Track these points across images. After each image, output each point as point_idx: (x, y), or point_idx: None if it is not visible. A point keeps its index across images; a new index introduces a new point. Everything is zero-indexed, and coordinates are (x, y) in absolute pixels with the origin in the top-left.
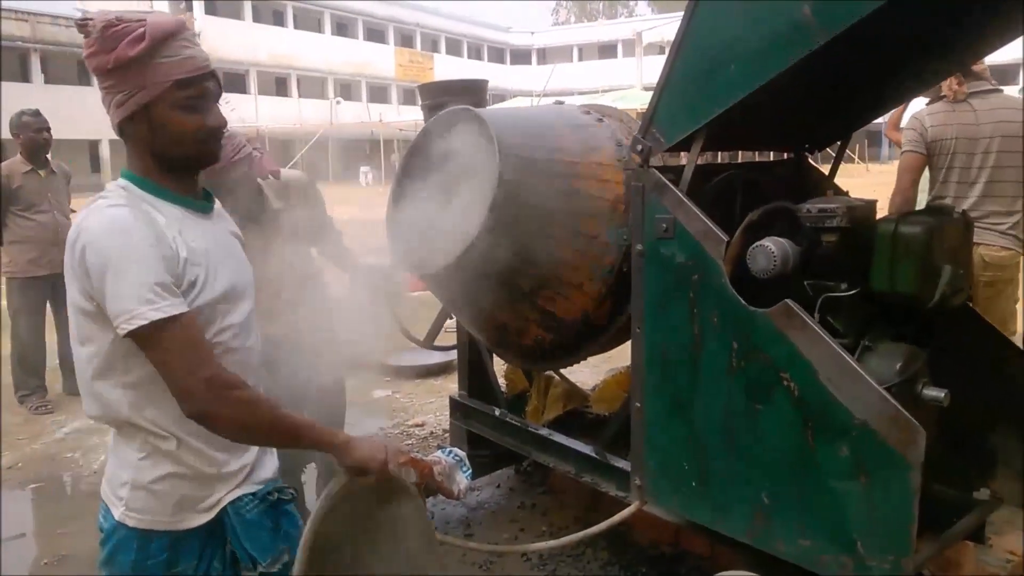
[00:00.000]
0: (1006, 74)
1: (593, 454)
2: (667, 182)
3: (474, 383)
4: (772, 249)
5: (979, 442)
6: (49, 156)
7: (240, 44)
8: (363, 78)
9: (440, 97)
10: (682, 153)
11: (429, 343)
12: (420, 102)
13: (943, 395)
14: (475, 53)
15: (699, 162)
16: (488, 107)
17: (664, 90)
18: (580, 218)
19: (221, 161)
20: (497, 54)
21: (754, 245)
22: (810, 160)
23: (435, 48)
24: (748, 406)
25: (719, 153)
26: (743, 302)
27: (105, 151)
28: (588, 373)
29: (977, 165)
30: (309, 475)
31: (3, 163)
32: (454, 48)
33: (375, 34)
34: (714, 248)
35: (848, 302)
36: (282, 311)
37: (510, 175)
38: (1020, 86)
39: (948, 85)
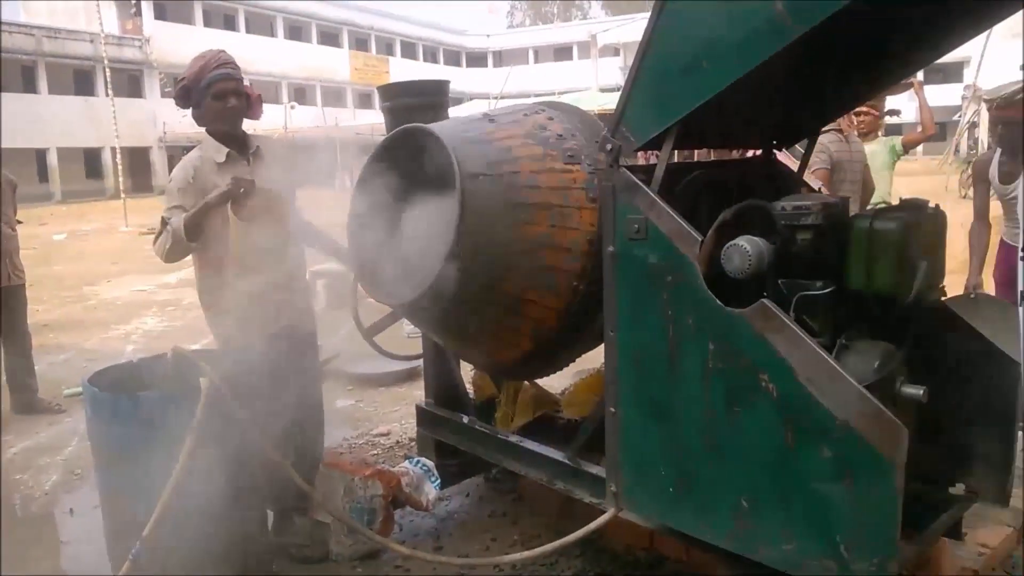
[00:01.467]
0: (949, 71)
1: (566, 460)
2: (639, 182)
3: (441, 391)
4: (747, 248)
5: (953, 437)
6: None
7: (191, 49)
8: (318, 82)
9: (400, 99)
10: (649, 153)
11: (370, 336)
12: (380, 103)
13: (921, 392)
14: (431, 56)
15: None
16: (443, 120)
17: (633, 89)
18: (548, 229)
19: None
20: (453, 57)
21: (728, 244)
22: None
23: (390, 51)
24: (727, 409)
25: (695, 152)
26: (719, 303)
27: (53, 159)
28: (556, 377)
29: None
30: None
31: None
32: (409, 51)
33: (329, 38)
34: (688, 248)
35: (824, 300)
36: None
37: (473, 198)
38: (965, 83)
39: (845, 122)
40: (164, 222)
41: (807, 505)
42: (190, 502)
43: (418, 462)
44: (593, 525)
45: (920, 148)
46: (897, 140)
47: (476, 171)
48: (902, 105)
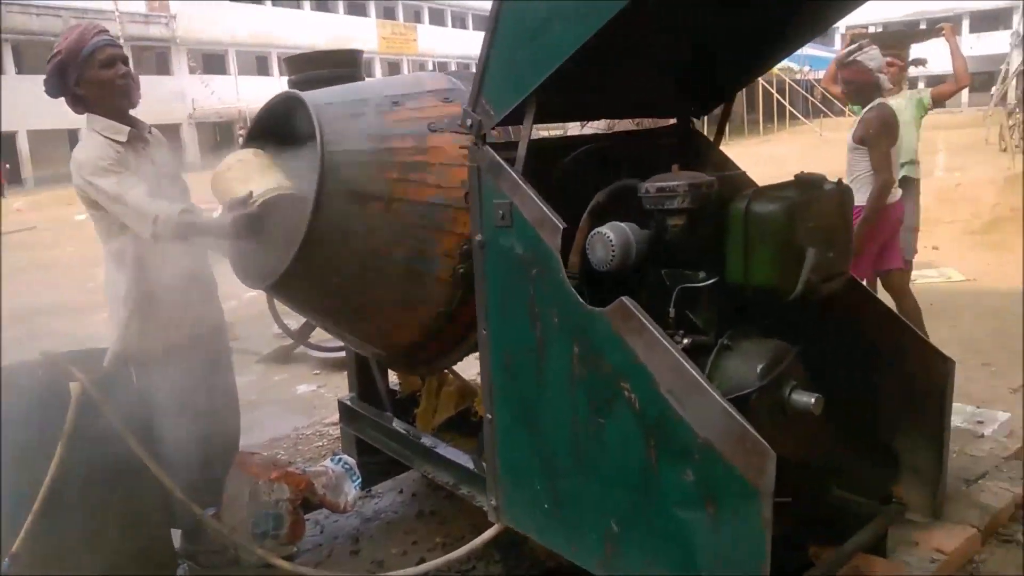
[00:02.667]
0: (997, 19)
1: (471, 465)
2: (502, 161)
3: (363, 385)
4: (610, 237)
5: (883, 442)
6: None
7: (218, 24)
8: None
9: (307, 71)
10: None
11: (303, 339)
12: (288, 76)
13: (813, 401)
14: (459, 22)
15: (570, 134)
16: (334, 87)
17: (489, 56)
18: (425, 210)
19: None
20: (482, 22)
21: (592, 232)
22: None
23: (418, 19)
24: (593, 419)
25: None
26: (580, 300)
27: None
28: None
29: None
30: None
31: None
32: (437, 18)
33: (356, 8)
34: (551, 237)
35: (707, 294)
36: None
37: (337, 176)
38: (1013, 29)
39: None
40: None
41: (672, 533)
42: (68, 513)
43: (340, 460)
44: (484, 537)
45: (965, 99)
46: (926, 93)
47: (349, 147)
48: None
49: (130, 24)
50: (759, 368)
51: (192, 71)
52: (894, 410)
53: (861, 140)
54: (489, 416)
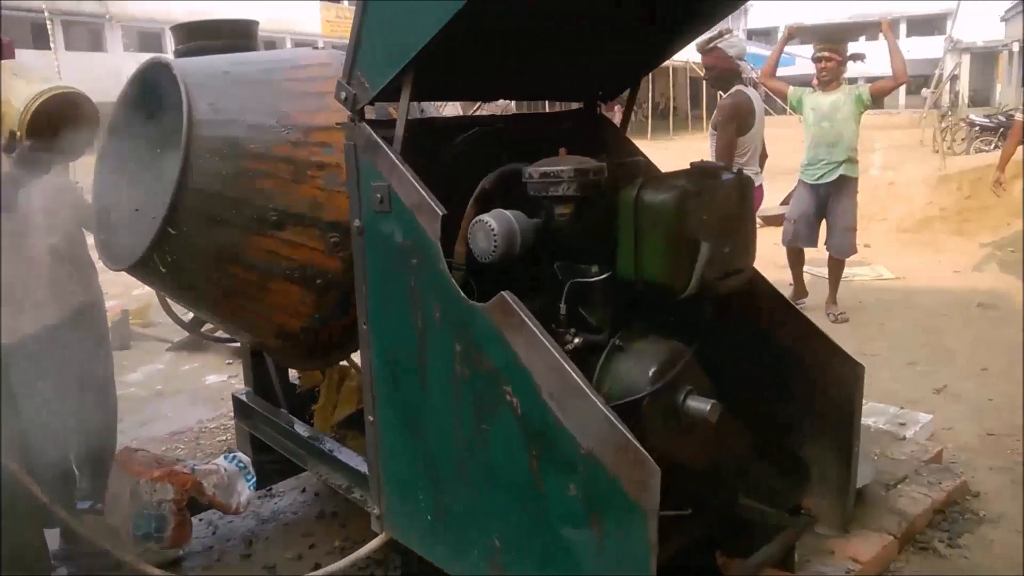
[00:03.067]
0: (932, 24)
1: (365, 468)
2: (379, 140)
3: (259, 378)
4: (491, 225)
5: (791, 450)
6: None
7: (153, 2)
8: (288, 35)
9: (196, 40)
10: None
11: (195, 329)
12: (173, 47)
13: (708, 408)
14: None
15: (472, 113)
16: (213, 56)
17: (362, 24)
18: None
19: None
20: None
21: (474, 220)
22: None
23: None
24: (476, 425)
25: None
26: (461, 294)
27: None
28: None
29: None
30: None
31: None
32: None
33: None
34: (430, 224)
35: (600, 289)
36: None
37: (203, 150)
38: (946, 35)
39: None
40: None
41: (555, 552)
42: None
43: (234, 458)
44: (369, 547)
45: (903, 101)
46: (864, 89)
47: (223, 117)
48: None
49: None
50: (651, 371)
51: (126, 48)
52: (801, 417)
53: (715, 126)
54: (371, 418)
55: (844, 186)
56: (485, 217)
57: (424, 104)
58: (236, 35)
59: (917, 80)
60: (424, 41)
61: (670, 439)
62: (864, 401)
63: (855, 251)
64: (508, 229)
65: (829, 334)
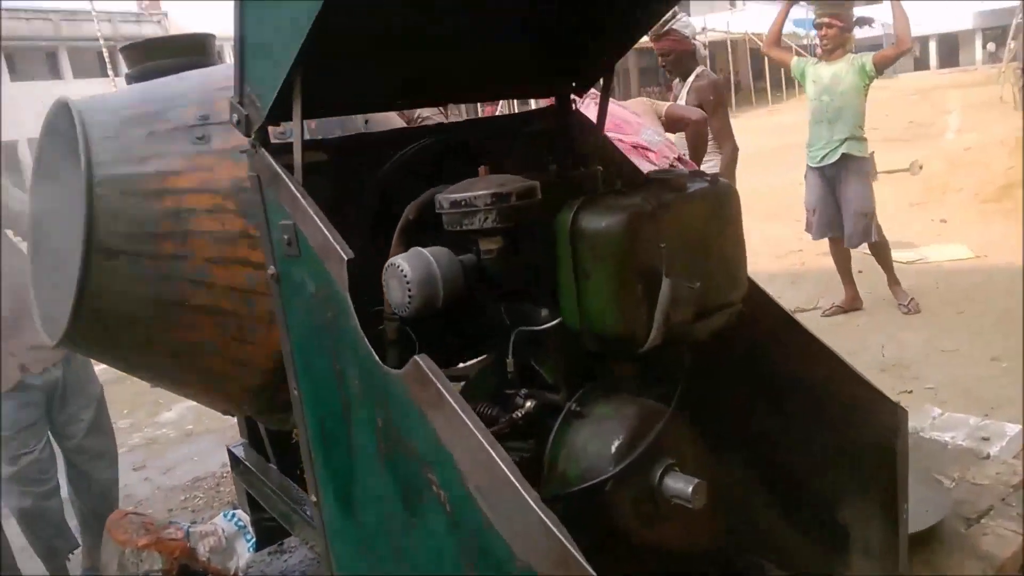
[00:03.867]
0: None
1: None
2: (279, 169)
3: (252, 429)
4: (403, 271)
5: (826, 513)
6: None
7: (210, 19)
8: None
9: (147, 61)
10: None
11: None
12: (125, 72)
13: (691, 489)
14: None
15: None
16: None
17: (243, 23)
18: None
19: None
20: None
21: (387, 264)
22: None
23: None
24: (404, 516)
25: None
26: (375, 358)
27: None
28: None
29: None
30: None
31: None
32: None
33: None
34: (337, 271)
35: (554, 337)
36: None
37: (108, 208)
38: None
39: None
40: None
41: None
42: None
43: (233, 516)
44: None
45: (979, 55)
46: (868, 58)
47: (127, 170)
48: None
49: (122, 24)
50: (615, 444)
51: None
52: (834, 471)
53: (679, 119)
54: (314, 499)
55: (850, 166)
56: (398, 260)
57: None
58: (188, 51)
59: (991, 33)
60: (300, 40)
61: (645, 530)
62: (940, 411)
63: (871, 238)
64: (425, 275)
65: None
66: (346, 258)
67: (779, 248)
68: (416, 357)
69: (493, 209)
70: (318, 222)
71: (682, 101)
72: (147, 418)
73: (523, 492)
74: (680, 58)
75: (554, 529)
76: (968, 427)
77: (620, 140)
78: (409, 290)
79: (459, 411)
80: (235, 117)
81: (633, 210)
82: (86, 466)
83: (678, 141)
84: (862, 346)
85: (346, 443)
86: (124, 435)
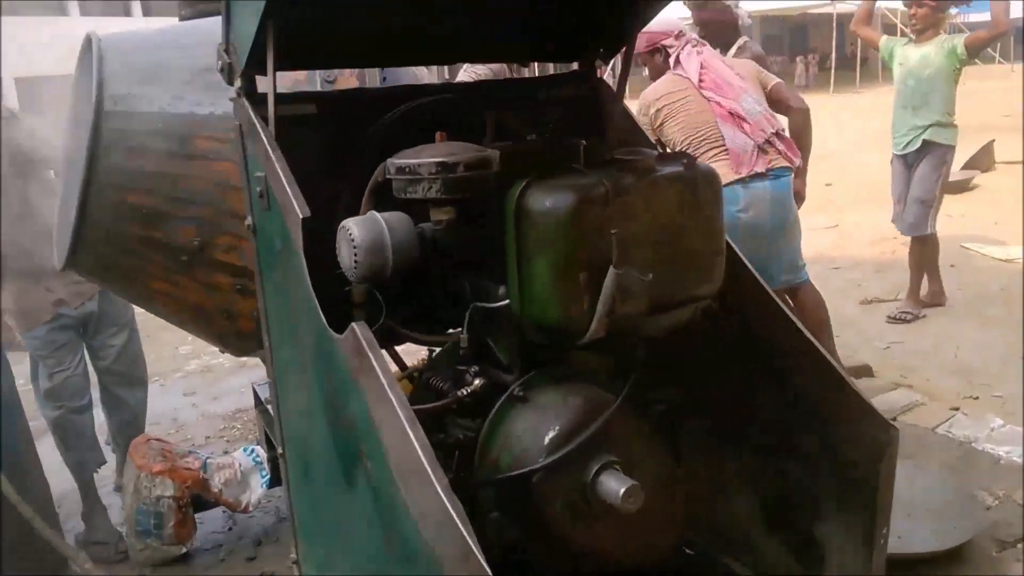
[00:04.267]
0: None
1: None
2: (256, 120)
3: None
4: (352, 235)
5: (801, 527)
6: None
7: None
8: None
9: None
10: None
11: None
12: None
13: (622, 491)
14: None
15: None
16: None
17: None
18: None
19: None
20: None
21: (340, 227)
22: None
23: None
24: (343, 483)
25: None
26: (322, 321)
27: None
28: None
29: None
30: None
31: None
32: None
33: None
34: (294, 229)
35: (507, 316)
36: None
37: (115, 127)
38: None
39: None
40: None
41: None
42: None
43: (252, 451)
44: None
45: None
46: (959, 40)
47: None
48: None
49: None
50: (548, 436)
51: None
52: (820, 486)
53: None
54: (280, 450)
55: (929, 153)
56: (349, 223)
57: (416, 70)
58: None
59: None
60: None
61: (580, 526)
62: (1002, 423)
63: (926, 230)
64: (374, 242)
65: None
66: (301, 216)
67: (874, 234)
68: (353, 324)
69: (438, 179)
70: (282, 177)
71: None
72: (206, 346)
73: (433, 478)
74: (723, 30)
75: (457, 518)
76: None
77: (717, 103)
78: (355, 255)
79: (385, 385)
80: (220, 64)
81: (583, 192)
82: (116, 389)
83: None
84: (936, 345)
85: (304, 402)
86: (182, 361)
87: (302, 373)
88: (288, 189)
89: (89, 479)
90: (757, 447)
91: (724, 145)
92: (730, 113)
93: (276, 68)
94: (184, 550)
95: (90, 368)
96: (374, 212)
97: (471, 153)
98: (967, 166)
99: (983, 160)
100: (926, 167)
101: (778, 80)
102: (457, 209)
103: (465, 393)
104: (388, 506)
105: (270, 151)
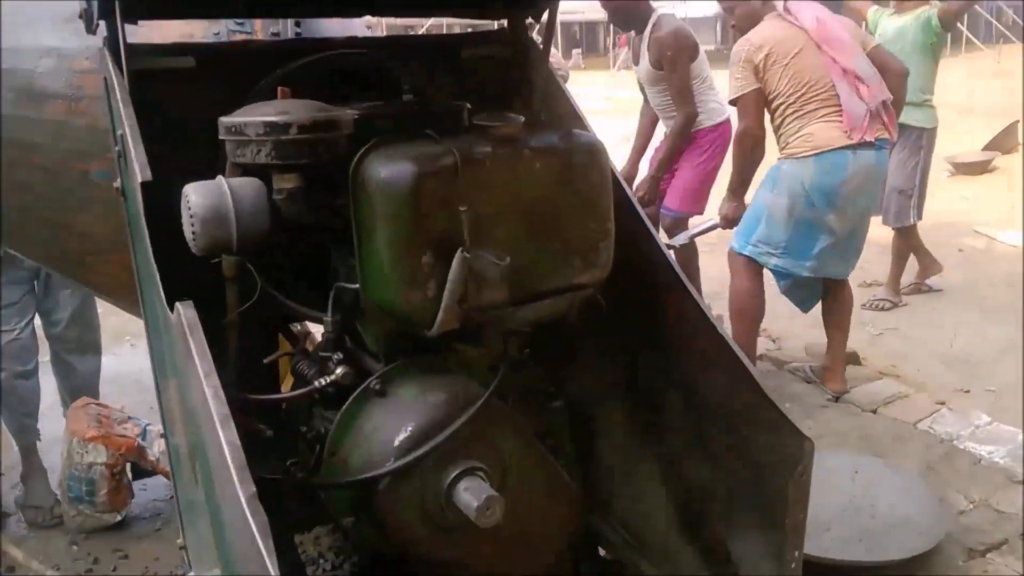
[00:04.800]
0: None
1: None
2: (114, 73)
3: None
4: (191, 204)
5: (713, 533)
6: None
7: None
8: None
9: None
10: None
11: None
12: None
13: (475, 505)
14: None
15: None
16: None
17: None
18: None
19: None
20: None
21: (182, 193)
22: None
23: None
24: (189, 466)
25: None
26: (160, 293)
27: None
28: None
29: None
30: None
31: None
32: None
33: None
34: (135, 194)
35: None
36: None
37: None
38: None
39: None
40: None
41: None
42: None
43: None
44: None
45: None
46: (933, 12)
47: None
48: None
49: None
50: (400, 437)
51: None
52: (726, 494)
53: (659, 63)
54: (162, 430)
55: (902, 136)
56: (188, 190)
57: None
58: None
59: None
60: None
61: (435, 539)
62: (989, 420)
63: (909, 220)
64: (213, 211)
65: None
66: (140, 179)
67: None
68: (178, 304)
69: (267, 141)
70: (129, 136)
71: (643, 57)
72: None
73: (237, 483)
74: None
75: (255, 529)
76: (1014, 444)
77: (834, 60)
78: (193, 225)
79: (200, 373)
80: (79, 10)
81: (425, 162)
82: (68, 356)
83: None
84: (933, 333)
85: (164, 375)
86: None
87: (158, 339)
88: (133, 150)
89: (32, 444)
90: (672, 447)
91: (838, 105)
92: (847, 71)
93: (134, 16)
94: (119, 518)
95: (40, 334)
96: (221, 178)
97: (308, 113)
98: (988, 147)
99: (1005, 141)
100: (902, 153)
101: (878, 42)
102: (302, 176)
103: (326, 383)
104: (209, 499)
105: (122, 108)
